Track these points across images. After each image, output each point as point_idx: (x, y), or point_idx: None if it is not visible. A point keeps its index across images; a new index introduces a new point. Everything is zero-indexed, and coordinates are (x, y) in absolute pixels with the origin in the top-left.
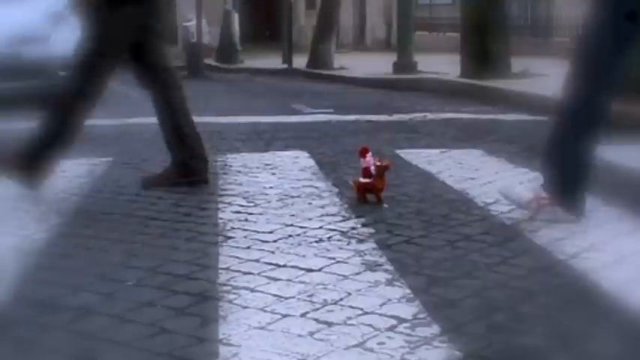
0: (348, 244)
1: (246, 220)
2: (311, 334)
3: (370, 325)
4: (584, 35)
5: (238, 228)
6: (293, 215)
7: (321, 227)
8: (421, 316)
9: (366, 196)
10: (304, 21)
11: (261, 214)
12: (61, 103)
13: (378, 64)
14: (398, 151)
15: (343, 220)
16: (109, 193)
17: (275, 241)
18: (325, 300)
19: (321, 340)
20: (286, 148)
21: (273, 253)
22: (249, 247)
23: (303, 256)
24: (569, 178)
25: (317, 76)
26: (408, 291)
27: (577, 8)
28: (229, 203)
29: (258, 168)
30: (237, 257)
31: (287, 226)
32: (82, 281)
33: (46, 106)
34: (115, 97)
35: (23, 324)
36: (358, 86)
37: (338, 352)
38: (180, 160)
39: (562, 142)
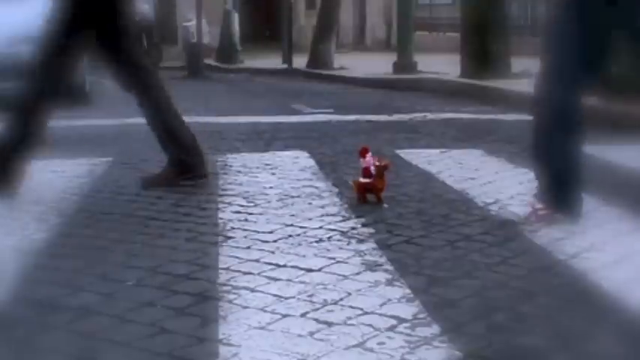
0: (348, 244)
1: (246, 220)
2: (311, 334)
3: (370, 325)
4: (548, 34)
5: (238, 228)
6: (293, 215)
7: (321, 227)
8: (421, 316)
9: (366, 196)
10: (304, 21)
11: (261, 214)
12: (22, 106)
13: (378, 64)
14: (398, 151)
15: (343, 220)
16: (109, 193)
17: (275, 241)
18: (325, 300)
19: (321, 340)
20: (286, 148)
21: (273, 253)
22: (249, 247)
23: (303, 256)
24: (559, 182)
25: (317, 76)
26: (408, 291)
27: None
28: (229, 203)
29: (258, 168)
30: (237, 257)
31: (287, 226)
32: (82, 281)
33: (8, 109)
34: (115, 98)
35: (23, 324)
36: (358, 86)
37: (338, 352)
38: (176, 157)
39: (545, 147)
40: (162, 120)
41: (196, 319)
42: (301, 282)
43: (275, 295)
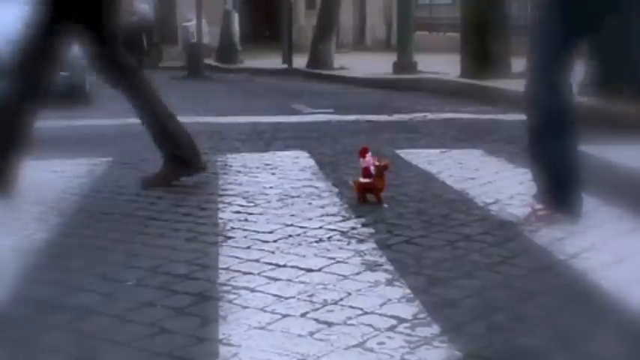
0: (348, 244)
1: (246, 220)
2: (311, 334)
3: (370, 325)
4: (533, 34)
5: (238, 228)
6: (293, 215)
7: (321, 227)
8: (421, 316)
9: (366, 196)
10: (304, 21)
11: (261, 214)
12: (6, 107)
13: (378, 64)
14: (398, 151)
15: (343, 220)
16: (109, 193)
17: (275, 241)
18: (325, 300)
19: (321, 340)
20: (286, 148)
21: (273, 253)
22: (249, 247)
23: (303, 256)
24: (558, 182)
25: (317, 76)
26: (408, 291)
27: None
28: (229, 203)
29: (258, 168)
30: (237, 257)
31: (287, 226)
32: (82, 281)
33: None
34: (115, 98)
35: (23, 324)
36: (358, 86)
37: (338, 352)
38: (171, 154)
39: (540, 148)
40: (153, 118)
41: (196, 319)
42: (301, 282)
43: (275, 295)
